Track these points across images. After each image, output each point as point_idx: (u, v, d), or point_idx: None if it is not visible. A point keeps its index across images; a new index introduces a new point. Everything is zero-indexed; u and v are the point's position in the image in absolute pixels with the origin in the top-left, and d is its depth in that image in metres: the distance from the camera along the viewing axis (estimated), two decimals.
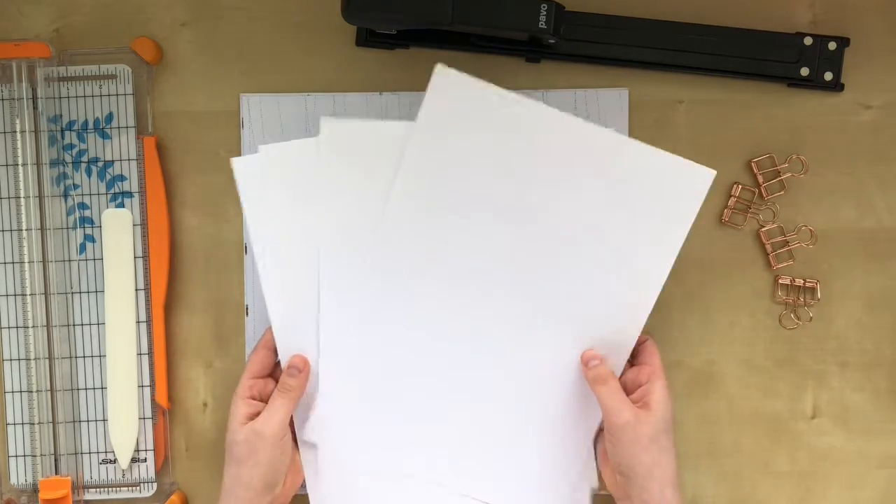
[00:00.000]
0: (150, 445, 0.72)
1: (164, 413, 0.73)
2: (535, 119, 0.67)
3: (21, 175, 0.72)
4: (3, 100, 0.72)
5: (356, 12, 0.64)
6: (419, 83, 0.71)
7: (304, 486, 0.70)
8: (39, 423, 0.72)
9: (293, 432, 0.69)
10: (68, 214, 0.73)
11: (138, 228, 0.72)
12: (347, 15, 0.65)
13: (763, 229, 0.73)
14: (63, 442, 0.72)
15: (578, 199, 0.68)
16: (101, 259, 0.72)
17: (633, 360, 0.69)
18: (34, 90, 0.72)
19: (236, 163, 0.69)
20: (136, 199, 0.72)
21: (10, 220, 0.72)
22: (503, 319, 0.69)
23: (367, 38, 0.72)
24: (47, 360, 0.72)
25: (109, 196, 0.73)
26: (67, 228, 0.73)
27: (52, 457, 0.72)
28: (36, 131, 0.72)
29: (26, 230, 0.72)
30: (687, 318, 0.73)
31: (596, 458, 0.70)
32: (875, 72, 0.73)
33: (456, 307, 0.69)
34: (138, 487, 0.73)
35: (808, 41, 0.71)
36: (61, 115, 0.72)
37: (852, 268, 0.73)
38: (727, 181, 0.73)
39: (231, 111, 0.73)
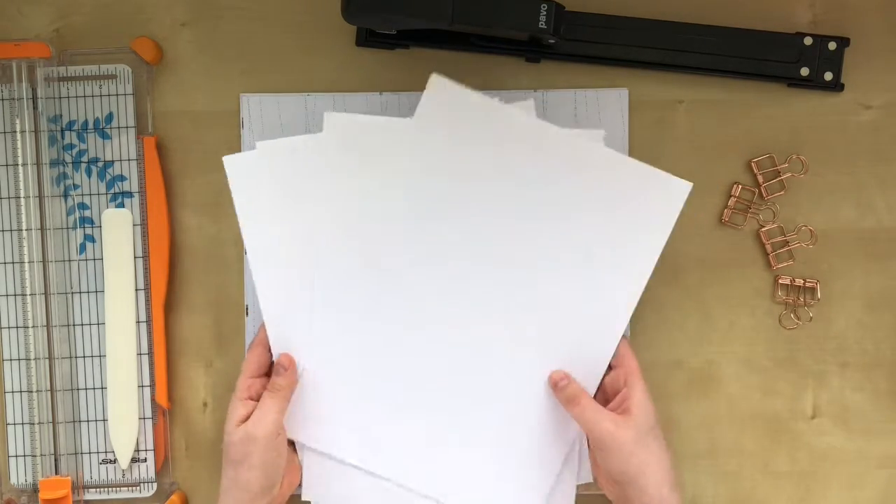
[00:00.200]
0: (150, 445, 0.72)
1: (164, 413, 0.73)
2: (520, 129, 0.68)
3: (21, 175, 0.72)
4: (3, 100, 0.72)
5: (356, 12, 0.64)
6: (419, 83, 0.71)
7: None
8: (39, 423, 0.72)
9: None
10: (68, 214, 0.73)
11: (138, 228, 0.72)
12: (347, 15, 0.65)
13: (763, 229, 0.73)
14: (63, 442, 0.72)
15: (557, 209, 0.69)
16: (101, 259, 0.72)
17: (610, 361, 0.69)
18: (34, 90, 0.72)
19: (228, 161, 0.69)
20: (136, 199, 0.72)
21: (10, 220, 0.72)
22: (481, 328, 0.69)
23: (367, 38, 0.72)
24: (47, 360, 0.72)
25: (109, 196, 0.73)
26: (67, 228, 0.73)
27: (52, 457, 0.72)
28: (36, 131, 0.72)
29: (26, 230, 0.72)
30: (687, 318, 0.73)
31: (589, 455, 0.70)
32: (875, 72, 0.73)
33: (438, 313, 0.69)
34: (138, 487, 0.73)
35: (808, 41, 0.71)
36: (61, 115, 0.72)
37: (852, 268, 0.73)
38: (727, 181, 0.73)
39: (231, 111, 0.73)
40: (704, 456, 0.73)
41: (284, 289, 0.69)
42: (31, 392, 0.72)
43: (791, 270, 0.73)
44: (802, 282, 0.73)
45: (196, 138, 0.73)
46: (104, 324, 0.72)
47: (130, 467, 0.72)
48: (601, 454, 0.65)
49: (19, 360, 0.72)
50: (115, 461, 0.72)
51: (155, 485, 0.73)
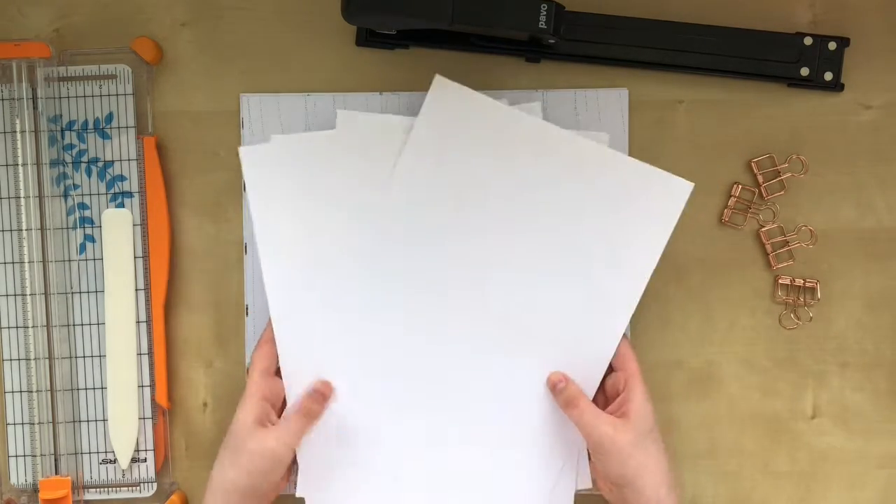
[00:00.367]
0: (150, 445, 0.72)
1: (164, 413, 0.73)
2: (523, 131, 0.68)
3: (21, 175, 0.72)
4: (3, 100, 0.72)
5: (356, 12, 0.64)
6: (419, 83, 0.71)
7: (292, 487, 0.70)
8: (39, 423, 0.72)
9: None
10: (68, 214, 0.73)
11: (138, 228, 0.72)
12: (347, 15, 0.65)
13: (763, 229, 0.73)
14: (63, 442, 0.72)
15: (558, 209, 0.69)
16: (101, 259, 0.72)
17: (611, 362, 0.69)
18: (34, 90, 0.72)
19: (244, 152, 0.69)
20: (136, 199, 0.72)
21: (10, 220, 0.72)
22: (483, 328, 0.69)
23: (367, 38, 0.72)
24: (47, 360, 0.72)
25: (109, 196, 0.73)
26: (67, 228, 0.73)
27: (52, 457, 0.72)
28: (36, 131, 0.72)
29: (26, 230, 0.72)
30: (687, 318, 0.73)
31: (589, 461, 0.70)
32: (875, 72, 0.73)
33: (439, 312, 0.69)
34: (138, 487, 0.73)
35: (808, 41, 0.71)
36: (61, 115, 0.72)
37: (852, 268, 0.73)
38: (727, 181, 0.73)
39: (231, 111, 0.73)
40: (704, 456, 0.73)
41: (292, 284, 0.69)
42: (31, 392, 0.72)
43: (791, 270, 0.73)
44: (802, 282, 0.73)
45: (196, 138, 0.73)
46: (104, 324, 0.72)
47: (130, 467, 0.72)
48: (599, 457, 0.66)
49: (19, 360, 0.72)
50: (115, 461, 0.72)
51: (155, 485, 0.73)
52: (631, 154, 0.71)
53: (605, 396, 0.69)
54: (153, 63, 0.72)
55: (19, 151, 0.72)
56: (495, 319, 0.69)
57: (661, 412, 0.67)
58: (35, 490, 0.72)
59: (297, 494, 0.70)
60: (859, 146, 0.73)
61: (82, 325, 0.72)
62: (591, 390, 0.69)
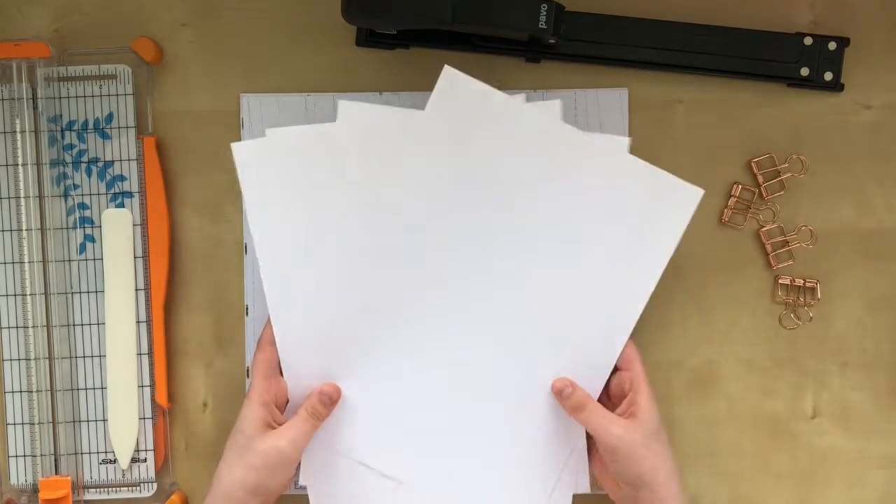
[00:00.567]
0: (150, 445, 0.72)
1: (164, 413, 0.73)
2: (533, 127, 0.67)
3: (21, 175, 0.72)
4: (3, 100, 0.72)
5: (356, 12, 0.64)
6: (419, 83, 0.71)
7: (294, 486, 0.70)
8: (39, 423, 0.72)
9: None
10: (68, 214, 0.73)
11: (138, 228, 0.72)
12: (347, 15, 0.65)
13: (763, 229, 0.73)
14: (63, 442, 0.72)
15: (568, 211, 0.68)
16: (101, 259, 0.72)
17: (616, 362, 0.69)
18: (34, 90, 0.72)
19: (237, 148, 0.68)
20: (136, 199, 0.72)
21: (10, 220, 0.72)
22: (488, 327, 0.69)
23: (367, 38, 0.72)
24: (47, 360, 0.72)
25: (109, 196, 0.73)
26: (67, 228, 0.73)
27: (52, 457, 0.72)
28: (36, 131, 0.72)
29: (26, 230, 0.72)
30: (687, 318, 0.73)
31: (589, 458, 0.70)
32: (875, 72, 0.73)
33: (443, 311, 0.69)
34: (138, 487, 0.73)
35: (808, 41, 0.71)
36: (61, 115, 0.72)
37: (852, 268, 0.73)
38: (727, 181, 0.73)
39: (231, 111, 0.73)
40: (704, 456, 0.73)
41: (291, 284, 0.68)
42: (31, 392, 0.72)
43: (791, 270, 0.73)
44: (802, 282, 0.73)
45: (196, 138, 0.73)
46: (104, 324, 0.72)
47: (130, 467, 0.72)
48: (612, 459, 0.65)
49: (19, 360, 0.72)
50: (115, 461, 0.72)
51: (155, 485, 0.73)
52: (631, 154, 0.71)
53: (608, 397, 0.69)
54: (153, 63, 0.72)
55: (19, 151, 0.72)
56: (499, 318, 0.69)
57: (661, 412, 0.67)
58: (35, 490, 0.72)
59: (300, 483, 0.70)
60: (859, 146, 0.73)
61: (82, 325, 0.72)
62: (595, 392, 0.68)
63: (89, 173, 0.72)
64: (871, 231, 0.73)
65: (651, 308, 0.69)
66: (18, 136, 0.72)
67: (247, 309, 0.73)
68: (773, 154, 0.73)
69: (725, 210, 0.73)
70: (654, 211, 0.68)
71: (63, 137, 0.72)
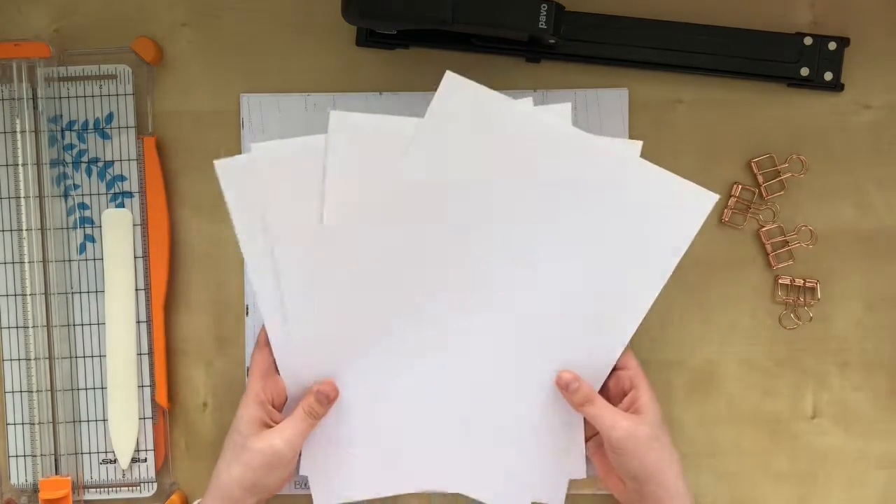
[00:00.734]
0: (150, 445, 0.72)
1: (164, 413, 0.73)
2: (539, 131, 0.67)
3: (21, 175, 0.72)
4: (3, 100, 0.72)
5: (356, 12, 0.64)
6: (419, 83, 0.71)
7: (294, 486, 0.70)
8: (39, 423, 0.72)
9: None
10: (68, 214, 0.73)
11: (138, 228, 0.72)
12: (347, 15, 0.65)
13: (763, 229, 0.73)
14: (63, 442, 0.72)
15: (577, 214, 0.68)
16: (101, 259, 0.72)
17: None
18: (34, 90, 0.72)
19: (220, 166, 0.66)
20: (136, 199, 0.72)
21: (10, 220, 0.72)
22: (491, 328, 0.69)
23: (367, 38, 0.72)
24: (47, 360, 0.72)
25: (109, 196, 0.73)
26: (67, 228, 0.73)
27: (52, 457, 0.72)
28: (36, 131, 0.72)
29: (26, 230, 0.72)
30: (687, 318, 0.73)
31: (587, 452, 0.70)
32: (875, 72, 0.73)
33: (445, 314, 0.69)
34: (138, 487, 0.73)
35: (808, 41, 0.71)
36: (61, 115, 0.72)
37: (852, 268, 0.73)
38: (727, 181, 0.73)
39: (231, 111, 0.73)
40: (704, 456, 0.73)
41: (284, 295, 0.68)
42: (31, 392, 0.72)
43: (791, 270, 0.73)
44: (802, 282, 0.73)
45: (196, 138, 0.73)
46: (104, 324, 0.72)
47: (130, 467, 0.72)
48: (618, 453, 0.65)
49: (19, 360, 0.72)
50: (115, 461, 0.72)
51: (155, 485, 0.73)
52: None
53: (608, 396, 0.69)
54: (153, 63, 0.72)
55: (19, 151, 0.72)
56: (501, 318, 0.69)
57: (661, 412, 0.67)
58: (35, 490, 0.72)
59: (301, 473, 0.70)
60: (859, 146, 0.73)
61: (82, 325, 0.72)
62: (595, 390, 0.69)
63: (89, 173, 0.72)
64: (871, 231, 0.73)
65: (651, 308, 0.69)
66: (18, 136, 0.72)
67: (247, 309, 0.73)
68: (773, 154, 0.73)
69: (725, 210, 0.73)
70: (667, 215, 0.67)
71: (63, 137, 0.72)
